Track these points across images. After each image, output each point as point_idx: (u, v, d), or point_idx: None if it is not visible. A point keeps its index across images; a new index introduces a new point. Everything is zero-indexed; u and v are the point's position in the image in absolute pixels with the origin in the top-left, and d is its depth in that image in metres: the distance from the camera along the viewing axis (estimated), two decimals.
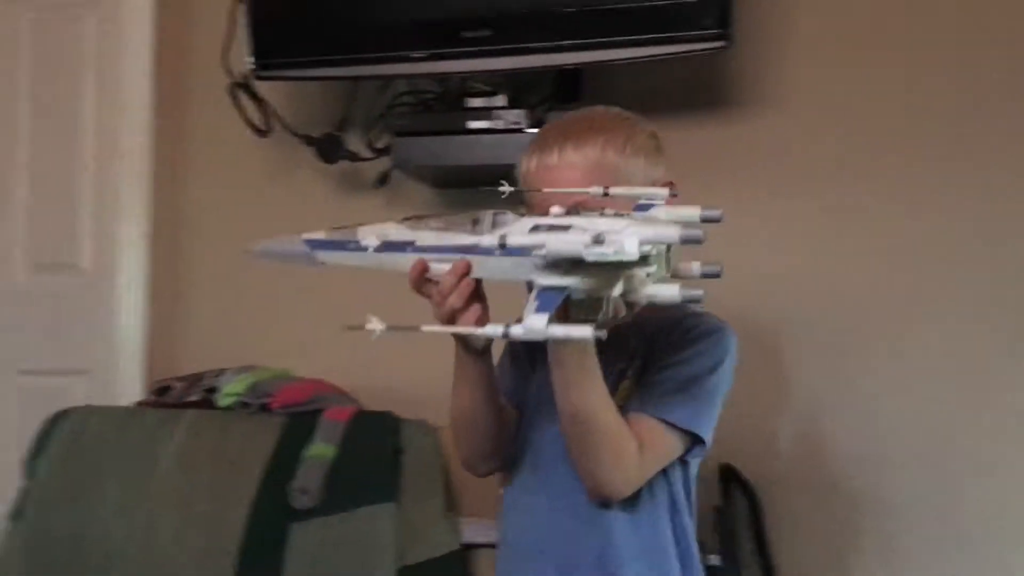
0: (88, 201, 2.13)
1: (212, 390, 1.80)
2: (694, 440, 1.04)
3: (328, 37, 1.74)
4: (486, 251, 0.86)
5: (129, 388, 2.02)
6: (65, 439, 1.72)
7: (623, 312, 0.87)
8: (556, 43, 1.63)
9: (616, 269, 0.80)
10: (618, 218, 0.82)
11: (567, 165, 1.03)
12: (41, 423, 1.78)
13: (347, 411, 1.69)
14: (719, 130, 1.78)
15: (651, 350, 1.06)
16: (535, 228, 0.82)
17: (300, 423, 1.66)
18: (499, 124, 1.66)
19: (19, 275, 2.16)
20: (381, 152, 1.85)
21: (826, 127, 1.73)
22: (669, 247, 0.83)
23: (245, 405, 1.74)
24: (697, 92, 1.79)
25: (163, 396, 1.87)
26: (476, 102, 1.71)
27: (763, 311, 1.71)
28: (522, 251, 0.82)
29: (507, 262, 0.84)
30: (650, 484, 1.04)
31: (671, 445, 1.03)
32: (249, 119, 1.87)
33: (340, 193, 1.95)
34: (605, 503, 1.03)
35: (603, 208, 0.85)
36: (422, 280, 0.91)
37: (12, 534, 1.67)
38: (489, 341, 0.98)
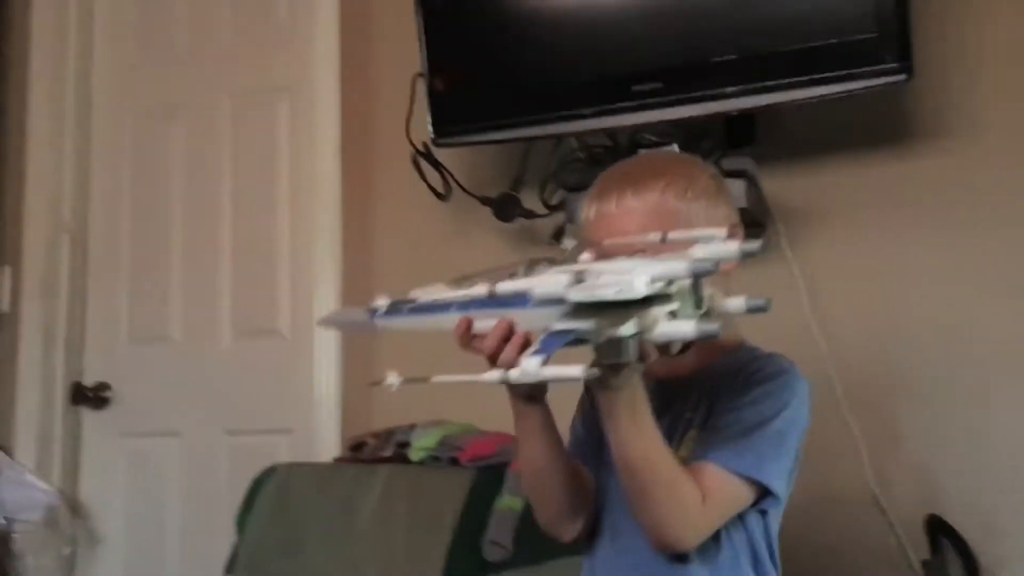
0: (285, 271, 2.28)
1: (404, 445, 1.87)
2: (763, 490, 0.97)
3: (501, 102, 1.81)
4: (499, 303, 0.86)
5: (327, 445, 2.13)
6: (272, 495, 1.83)
7: (654, 355, 0.82)
8: (726, 89, 1.64)
9: (625, 308, 0.76)
10: (644, 259, 0.80)
11: (626, 212, 1.00)
12: (250, 480, 1.91)
13: None
14: (899, 166, 1.73)
15: (716, 397, 1.01)
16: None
17: (489, 476, 1.69)
18: None
19: (225, 341, 2.33)
20: (555, 208, 1.90)
21: (1016, 160, 1.65)
22: (697, 283, 0.79)
23: (436, 459, 1.80)
24: (876, 128, 1.75)
25: (359, 452, 1.96)
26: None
27: (955, 350, 1.63)
28: (515, 299, 0.83)
29: (539, 313, 0.82)
30: (729, 535, 0.99)
31: (737, 494, 0.97)
32: (431, 184, 1.97)
33: (518, 249, 2.01)
34: (681, 558, 0.97)
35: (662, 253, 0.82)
36: (467, 337, 0.89)
37: None
38: (542, 390, 0.97)
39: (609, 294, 0.75)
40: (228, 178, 2.35)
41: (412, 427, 1.91)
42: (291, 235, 2.28)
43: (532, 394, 0.98)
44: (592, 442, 1.07)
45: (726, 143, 1.72)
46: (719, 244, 0.80)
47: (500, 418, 1.86)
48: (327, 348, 2.18)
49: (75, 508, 2.34)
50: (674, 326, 0.78)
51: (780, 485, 0.98)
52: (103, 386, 2.40)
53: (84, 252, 2.46)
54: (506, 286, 0.85)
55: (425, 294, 0.95)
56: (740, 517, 0.99)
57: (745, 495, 0.98)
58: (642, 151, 1.72)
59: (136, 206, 2.45)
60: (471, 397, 1.99)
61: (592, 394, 0.98)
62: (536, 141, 1.89)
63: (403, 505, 1.71)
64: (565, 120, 1.77)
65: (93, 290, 2.45)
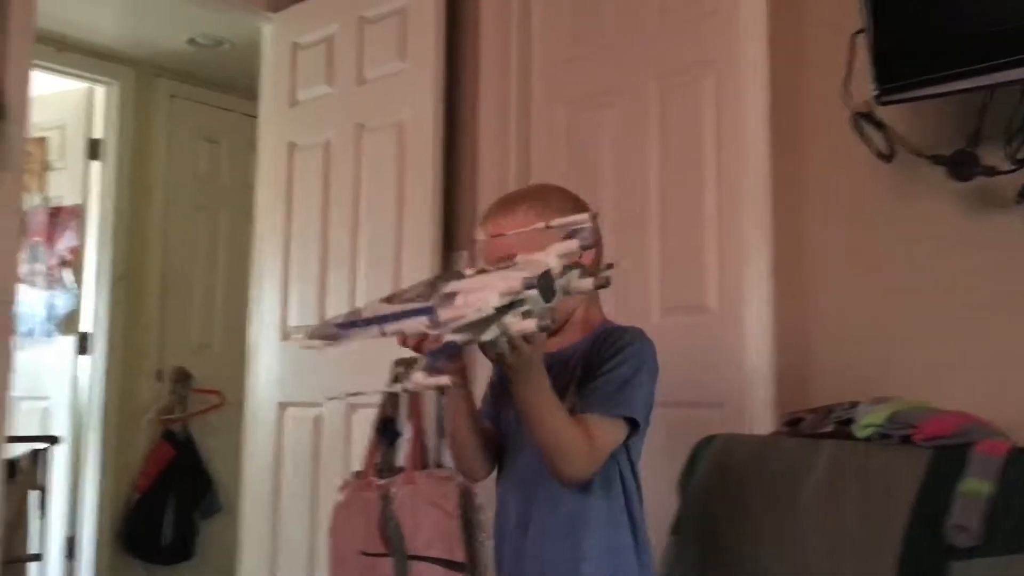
0: (712, 247, 2.29)
1: (846, 422, 1.79)
2: (632, 425, 1.36)
3: (957, 49, 1.66)
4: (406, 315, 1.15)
5: (760, 419, 2.10)
6: (712, 463, 1.86)
7: (523, 346, 1.18)
8: None
9: (484, 322, 1.07)
10: (501, 271, 1.12)
11: (497, 227, 1.43)
12: (685, 450, 1.95)
13: (1003, 446, 1.56)
14: None
15: (588, 362, 1.40)
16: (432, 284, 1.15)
17: (948, 456, 1.57)
18: None
19: (654, 317, 2.40)
20: (1023, 163, 1.69)
21: None
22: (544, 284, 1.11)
23: (884, 436, 1.70)
24: None
25: (795, 427, 1.92)
26: None
27: None
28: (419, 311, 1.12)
29: (408, 329, 1.16)
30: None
31: (615, 432, 1.35)
32: (875, 147, 1.86)
33: (970, 213, 1.83)
34: (568, 485, 1.34)
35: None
36: (414, 346, 1.25)
37: (673, 547, 1.84)
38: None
39: (472, 316, 1.05)
40: (655, 158, 2.42)
41: (854, 405, 1.83)
42: (718, 210, 2.29)
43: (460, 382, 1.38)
44: (496, 407, 1.51)
45: None
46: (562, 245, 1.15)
47: (956, 396, 1.74)
48: (758, 323, 2.16)
49: None
50: (523, 324, 1.09)
51: (642, 417, 1.39)
52: None
53: None
54: (371, 311, 1.16)
55: (369, 309, 1.21)
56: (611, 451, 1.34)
57: (621, 431, 1.36)
58: None
59: (568, 185, 2.60)
60: (920, 373, 1.87)
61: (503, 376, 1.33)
62: (999, 89, 1.70)
63: (851, 481, 1.64)
64: None
65: None
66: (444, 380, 1.06)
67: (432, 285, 1.16)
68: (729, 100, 2.26)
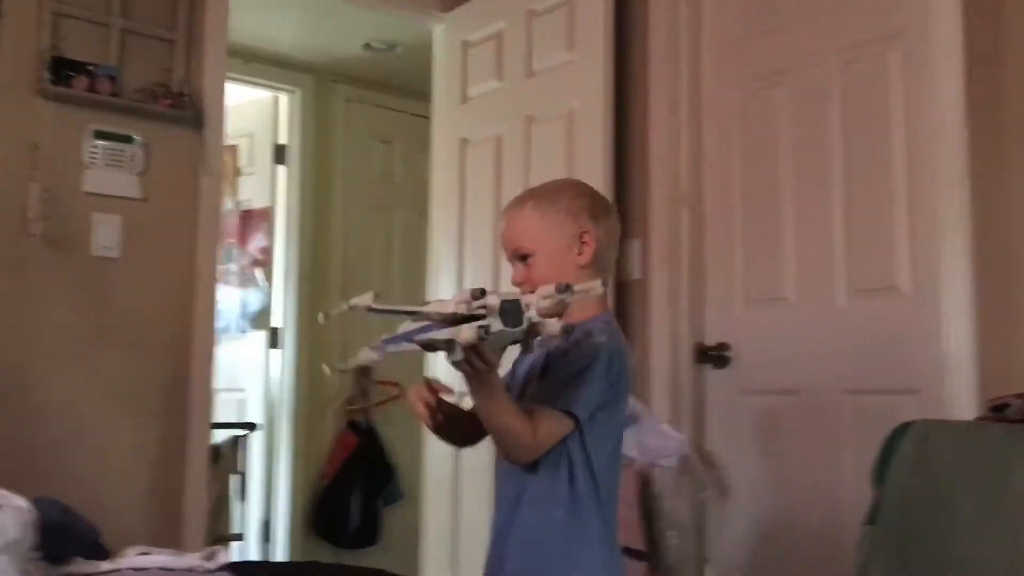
0: (903, 224, 2.19)
1: None
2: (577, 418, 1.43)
3: None
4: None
5: (960, 406, 1.99)
6: (910, 451, 1.77)
7: (471, 355, 1.26)
8: None
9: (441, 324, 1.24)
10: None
11: (510, 221, 1.55)
12: (876, 439, 1.86)
13: None
14: None
15: (557, 354, 1.47)
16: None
17: None
18: None
19: (840, 300, 2.31)
20: None
21: None
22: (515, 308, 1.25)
23: None
24: None
25: (1000, 413, 1.80)
26: None
27: None
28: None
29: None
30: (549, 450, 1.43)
31: (560, 423, 1.41)
32: None
33: None
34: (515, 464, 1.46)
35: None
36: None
37: (869, 536, 1.76)
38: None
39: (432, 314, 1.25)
40: (837, 135, 2.33)
41: None
42: (909, 187, 2.18)
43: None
44: None
45: None
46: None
47: None
48: (957, 305, 2.04)
49: (704, 458, 2.53)
50: (465, 334, 1.22)
51: (584, 414, 1.42)
52: (723, 346, 2.55)
53: (701, 221, 2.64)
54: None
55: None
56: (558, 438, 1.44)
57: (567, 423, 1.42)
58: None
59: (746, 174, 2.55)
60: None
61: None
62: None
63: None
64: None
65: (711, 256, 2.62)
66: (375, 357, 1.28)
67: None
68: (919, 71, 2.15)
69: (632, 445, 2.54)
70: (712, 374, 2.58)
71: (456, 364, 1.26)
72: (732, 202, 2.57)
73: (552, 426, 1.41)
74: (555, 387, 1.42)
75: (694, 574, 2.49)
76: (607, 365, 1.44)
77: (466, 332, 1.21)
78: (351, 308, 1.32)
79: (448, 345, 1.23)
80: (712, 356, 2.56)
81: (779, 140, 2.47)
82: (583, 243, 1.49)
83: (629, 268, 2.70)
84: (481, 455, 2.87)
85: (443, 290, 3.19)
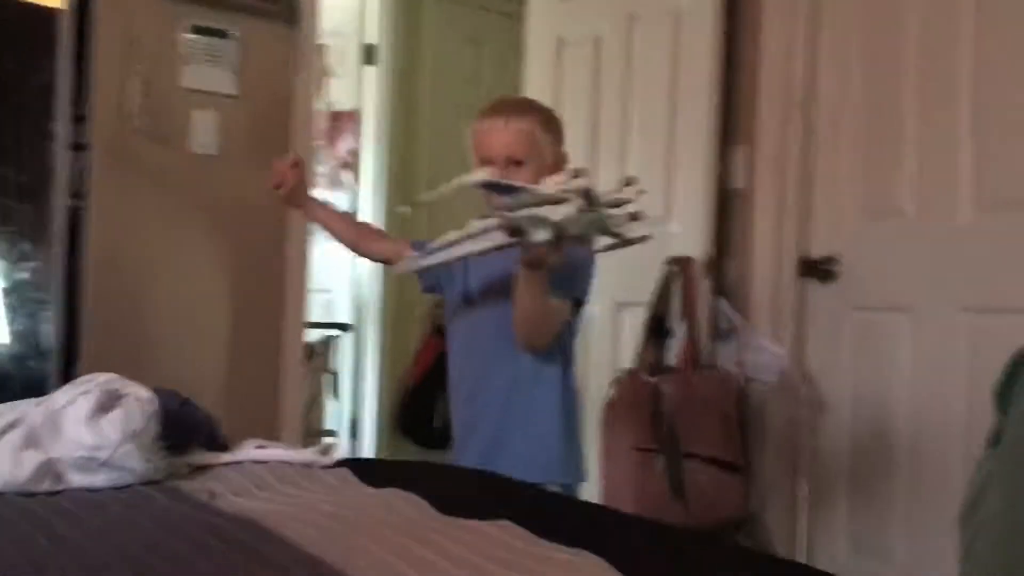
0: None
1: None
2: (577, 302, 1.70)
3: None
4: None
5: None
6: None
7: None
8: None
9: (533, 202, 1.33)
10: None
11: (511, 128, 1.70)
12: (1008, 356, 1.77)
13: None
14: None
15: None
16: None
17: None
18: None
19: (965, 215, 2.19)
20: None
21: None
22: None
23: None
24: None
25: None
26: None
27: None
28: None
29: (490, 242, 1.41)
30: None
31: (566, 310, 1.66)
32: None
33: None
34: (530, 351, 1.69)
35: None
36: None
37: (991, 459, 1.69)
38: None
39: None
40: (969, 38, 2.17)
41: None
42: None
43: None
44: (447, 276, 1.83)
45: None
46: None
47: None
48: None
49: (804, 374, 2.46)
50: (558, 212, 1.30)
51: (586, 300, 1.71)
52: (831, 260, 2.45)
53: (812, 129, 2.51)
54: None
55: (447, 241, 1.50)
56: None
57: (568, 309, 1.66)
58: None
59: (865, 78, 2.41)
60: None
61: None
62: None
63: None
64: None
65: (821, 166, 2.50)
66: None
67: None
68: None
69: (730, 359, 2.50)
70: (817, 289, 2.49)
71: (536, 245, 1.32)
72: (848, 109, 2.44)
73: (561, 311, 1.65)
74: (559, 278, 1.54)
75: (789, 489, 2.46)
76: (593, 261, 1.69)
77: (558, 211, 1.27)
78: (462, 187, 1.49)
79: (536, 223, 1.27)
80: (818, 270, 2.47)
81: (904, 43, 2.31)
82: (558, 164, 1.68)
83: (733, 176, 2.60)
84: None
85: None
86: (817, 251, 2.49)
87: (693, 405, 2.36)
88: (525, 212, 1.27)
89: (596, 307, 2.84)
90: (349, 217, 2.12)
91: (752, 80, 2.56)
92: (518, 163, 1.68)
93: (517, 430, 1.73)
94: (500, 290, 1.68)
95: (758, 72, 2.55)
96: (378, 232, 2.11)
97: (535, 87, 3.16)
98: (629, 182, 1.35)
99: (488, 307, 1.76)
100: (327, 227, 2.01)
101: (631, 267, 2.67)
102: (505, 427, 1.74)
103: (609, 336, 2.79)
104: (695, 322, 2.47)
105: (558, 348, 1.71)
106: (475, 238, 1.43)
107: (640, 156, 2.73)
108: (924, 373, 2.23)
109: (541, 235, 1.28)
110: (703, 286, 2.49)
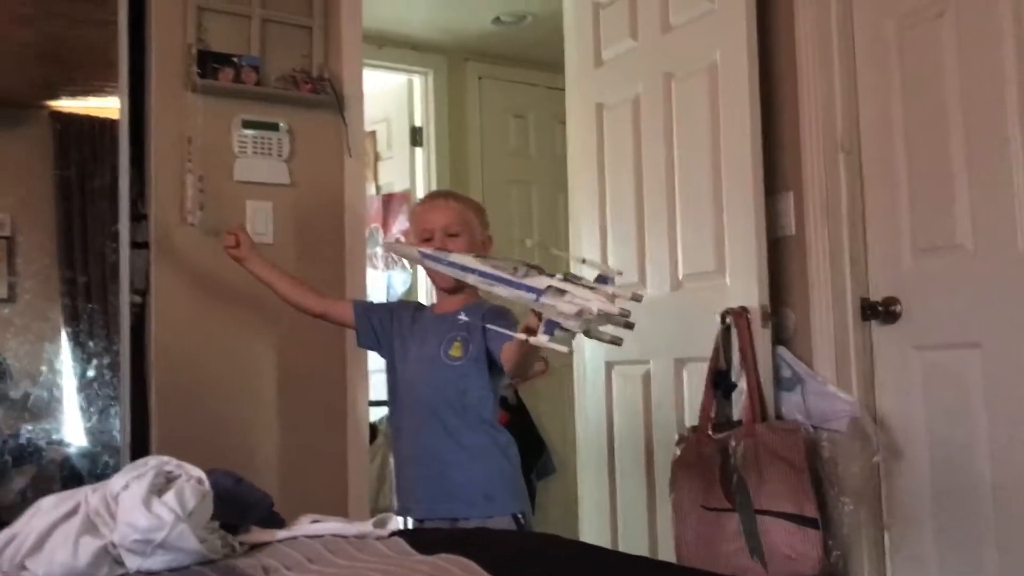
0: None
1: None
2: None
3: None
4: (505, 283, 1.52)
5: None
6: None
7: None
8: None
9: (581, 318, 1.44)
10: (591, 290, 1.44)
11: (450, 207, 2.16)
12: None
13: None
14: None
15: (482, 320, 1.99)
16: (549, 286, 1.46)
17: None
18: None
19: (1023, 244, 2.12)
20: None
21: None
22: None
23: None
24: None
25: None
26: None
27: None
28: (521, 287, 1.49)
29: (510, 293, 1.52)
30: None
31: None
32: None
33: None
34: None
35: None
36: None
37: None
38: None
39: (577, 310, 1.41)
40: (1011, 66, 2.13)
41: None
42: None
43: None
44: (388, 329, 2.22)
45: None
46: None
47: None
48: None
49: (875, 419, 2.38)
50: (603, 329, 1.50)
51: None
52: (891, 300, 2.39)
53: (859, 169, 2.48)
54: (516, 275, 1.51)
55: (459, 257, 1.64)
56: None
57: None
58: None
59: (907, 114, 2.38)
60: None
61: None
62: None
63: None
64: None
65: (871, 206, 2.46)
66: (564, 349, 1.45)
67: (516, 268, 1.51)
68: None
69: (796, 409, 2.44)
70: (879, 330, 2.42)
71: (563, 330, 1.46)
72: (893, 146, 2.40)
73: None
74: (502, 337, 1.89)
75: (872, 542, 2.36)
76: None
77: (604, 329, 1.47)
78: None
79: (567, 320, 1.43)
80: (879, 311, 2.41)
81: (944, 76, 2.28)
82: (485, 243, 2.16)
83: (782, 223, 2.57)
84: (634, 436, 2.85)
85: (587, 255, 3.14)
86: (876, 293, 2.43)
87: (763, 459, 2.29)
88: (571, 314, 1.41)
89: (656, 365, 2.81)
90: (288, 273, 2.34)
91: (794, 126, 2.55)
92: (453, 235, 2.08)
93: (458, 473, 2.03)
94: (434, 357, 2.07)
95: (799, 118, 2.53)
96: (316, 289, 2.32)
97: (578, 152, 3.20)
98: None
99: (423, 370, 2.10)
100: (268, 280, 2.29)
101: (688, 323, 2.65)
102: (447, 473, 2.03)
103: (671, 393, 2.75)
104: (756, 373, 2.43)
105: (492, 397, 2.10)
106: (493, 277, 1.56)
107: (686, 210, 2.73)
108: (1000, 409, 2.14)
109: (562, 333, 1.43)
110: (761, 336, 2.45)
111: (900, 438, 2.37)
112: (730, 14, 2.56)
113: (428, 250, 1.79)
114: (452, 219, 2.12)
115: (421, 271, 4.12)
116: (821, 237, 2.48)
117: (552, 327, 1.45)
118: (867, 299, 2.44)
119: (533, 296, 1.46)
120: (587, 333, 1.47)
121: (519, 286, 1.49)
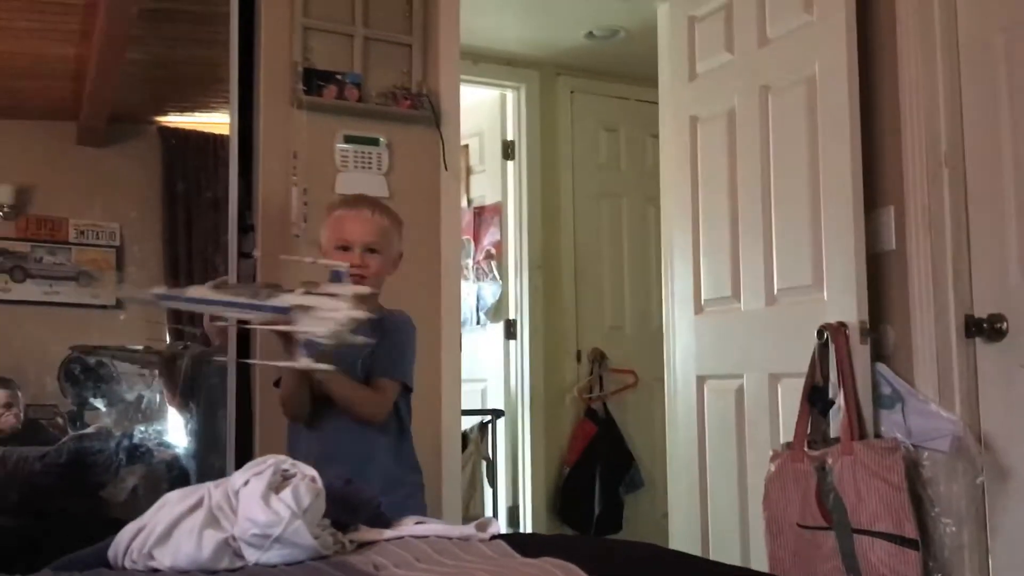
0: None
1: None
2: (403, 384, 2.08)
3: None
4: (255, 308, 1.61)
5: None
6: None
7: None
8: None
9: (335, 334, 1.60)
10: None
11: (371, 219, 2.08)
12: None
13: None
14: None
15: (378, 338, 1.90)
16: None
17: None
18: None
19: None
20: None
21: None
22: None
23: None
24: None
25: None
26: None
27: None
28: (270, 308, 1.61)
29: (263, 317, 1.62)
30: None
31: (395, 389, 2.05)
32: None
33: None
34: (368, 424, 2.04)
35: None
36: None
37: None
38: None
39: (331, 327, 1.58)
40: None
41: None
42: None
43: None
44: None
45: None
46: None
47: None
48: None
49: (980, 439, 2.32)
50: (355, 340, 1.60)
51: (411, 380, 2.10)
52: (997, 317, 2.32)
53: (963, 183, 2.43)
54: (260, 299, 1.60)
55: (197, 292, 1.62)
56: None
57: (398, 388, 2.06)
58: None
59: (1015, 128, 2.31)
60: None
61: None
62: None
63: None
64: None
65: (976, 221, 2.40)
66: (325, 367, 1.59)
67: (257, 292, 1.58)
68: None
69: (896, 427, 2.39)
70: (984, 348, 2.36)
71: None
72: (1000, 160, 2.34)
73: (391, 389, 2.03)
74: (386, 361, 2.01)
75: (976, 566, 2.30)
76: (413, 339, 2.12)
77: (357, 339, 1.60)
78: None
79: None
80: (984, 328, 2.34)
81: None
82: (396, 261, 2.13)
83: (882, 238, 2.52)
84: (726, 451, 2.83)
85: (678, 272, 3.14)
86: (980, 309, 2.37)
87: (860, 478, 2.26)
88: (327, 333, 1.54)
89: (750, 380, 2.79)
90: None
91: (895, 139, 2.51)
92: (373, 251, 2.04)
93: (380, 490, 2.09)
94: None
95: (900, 130, 2.49)
96: None
97: (671, 164, 3.21)
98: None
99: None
100: None
101: (784, 337, 2.63)
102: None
103: (765, 409, 2.73)
104: (854, 390, 2.39)
105: (387, 423, 2.06)
106: (239, 305, 1.63)
107: (782, 224, 2.70)
108: None
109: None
110: (860, 352, 2.41)
111: (1005, 459, 2.30)
112: (830, 26, 2.54)
113: (162, 291, 1.73)
114: (375, 236, 2.04)
115: (512, 283, 4.19)
116: (923, 252, 2.43)
117: (312, 348, 1.56)
118: (971, 315, 2.38)
119: (285, 315, 1.56)
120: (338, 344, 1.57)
121: (268, 308, 1.56)
